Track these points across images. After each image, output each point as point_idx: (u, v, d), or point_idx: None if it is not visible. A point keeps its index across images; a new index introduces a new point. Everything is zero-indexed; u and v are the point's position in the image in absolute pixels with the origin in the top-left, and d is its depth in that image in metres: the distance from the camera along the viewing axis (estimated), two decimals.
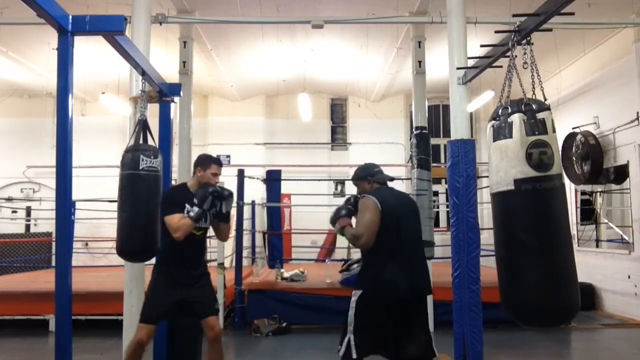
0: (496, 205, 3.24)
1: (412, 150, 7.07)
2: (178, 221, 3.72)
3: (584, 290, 8.35)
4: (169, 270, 3.86)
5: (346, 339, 3.35)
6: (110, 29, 3.08)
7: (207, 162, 3.98)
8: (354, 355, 3.30)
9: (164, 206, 3.76)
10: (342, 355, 3.36)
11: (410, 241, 3.57)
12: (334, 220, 3.70)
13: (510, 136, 3.07)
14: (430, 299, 6.88)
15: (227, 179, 8.26)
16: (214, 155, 4.21)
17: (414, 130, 7.18)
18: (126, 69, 4.94)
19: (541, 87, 3.14)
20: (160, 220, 3.75)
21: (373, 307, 3.37)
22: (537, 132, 3.01)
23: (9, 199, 12.10)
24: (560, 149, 3.28)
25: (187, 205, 3.78)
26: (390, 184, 3.85)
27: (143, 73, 3.98)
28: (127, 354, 3.79)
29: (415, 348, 3.39)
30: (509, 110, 3.13)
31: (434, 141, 8.98)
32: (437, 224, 10.95)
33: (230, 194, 3.98)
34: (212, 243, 8.40)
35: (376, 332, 3.38)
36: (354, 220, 3.68)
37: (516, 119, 3.07)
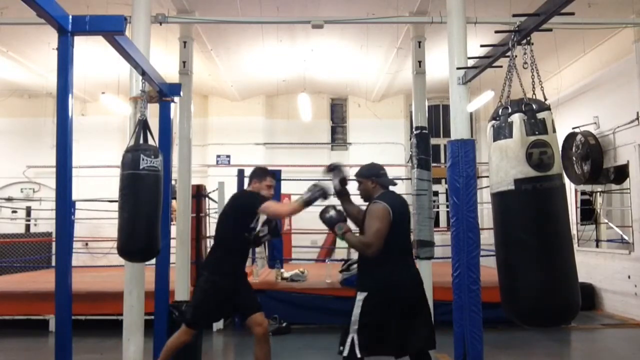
0: (496, 205, 3.24)
1: (412, 150, 7.07)
2: (284, 204, 3.99)
3: (584, 290, 8.33)
4: (232, 274, 4.00)
5: (349, 339, 3.36)
6: (110, 29, 3.08)
7: (264, 175, 4.17)
8: (358, 355, 3.33)
9: (252, 201, 3.95)
10: (346, 356, 3.37)
11: (409, 243, 3.76)
12: (330, 223, 3.58)
13: (511, 136, 3.07)
14: (430, 298, 6.94)
15: (227, 179, 8.33)
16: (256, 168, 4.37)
17: (414, 130, 7.18)
18: (126, 69, 4.94)
19: (541, 87, 3.14)
20: (226, 223, 4.03)
21: (382, 307, 3.40)
22: (537, 132, 3.01)
23: (9, 199, 12.10)
24: (560, 148, 3.28)
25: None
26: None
27: (143, 73, 3.98)
28: (170, 350, 4.02)
29: (418, 341, 3.48)
30: (509, 110, 3.13)
31: (434, 141, 8.98)
32: (437, 224, 10.95)
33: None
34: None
35: (380, 332, 3.41)
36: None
37: (516, 118, 3.07)
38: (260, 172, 4.21)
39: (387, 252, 3.44)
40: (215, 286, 3.92)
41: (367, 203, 3.69)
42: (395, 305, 3.42)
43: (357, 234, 3.72)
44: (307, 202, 3.78)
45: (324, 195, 3.77)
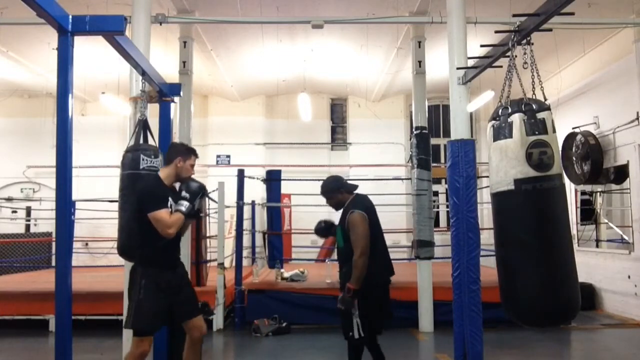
0: (496, 205, 3.24)
1: (412, 150, 7.07)
2: (170, 217, 3.46)
3: (584, 290, 8.34)
4: (158, 273, 3.54)
5: (355, 322, 3.86)
6: (110, 29, 3.08)
7: (188, 153, 3.70)
8: (363, 335, 3.86)
9: (149, 201, 3.46)
10: (357, 337, 3.87)
11: (381, 233, 4.17)
12: (321, 235, 4.41)
13: (511, 136, 3.08)
14: (430, 298, 6.97)
15: (227, 179, 8.32)
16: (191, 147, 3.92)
17: (414, 130, 7.19)
18: (126, 69, 4.93)
19: (541, 87, 3.14)
20: (139, 219, 3.49)
21: (374, 291, 3.93)
22: (537, 132, 3.02)
23: (9, 199, 12.10)
24: (560, 149, 3.28)
25: (171, 200, 3.55)
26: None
27: (143, 73, 3.98)
28: None
29: (388, 315, 4.12)
30: (509, 110, 3.13)
31: (434, 141, 8.97)
32: (437, 224, 10.95)
33: (206, 189, 3.82)
34: (211, 243, 8.43)
35: (374, 312, 3.93)
36: None
37: (516, 119, 3.07)
38: (187, 150, 3.73)
39: (372, 248, 3.92)
40: (146, 283, 3.49)
41: (339, 210, 4.19)
42: (377, 289, 3.97)
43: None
44: (187, 214, 3.56)
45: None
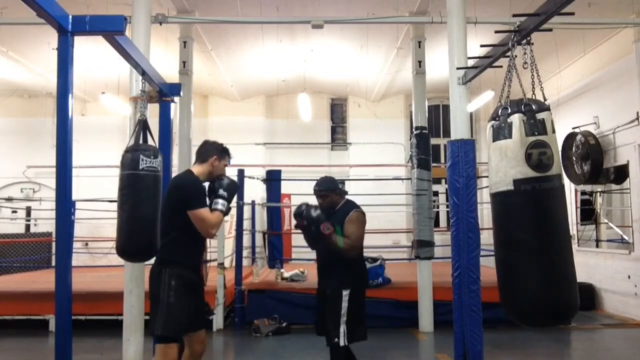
0: (496, 205, 3.24)
1: (412, 150, 7.07)
2: (212, 216, 3.30)
3: (584, 290, 8.39)
4: (188, 273, 3.37)
5: (342, 330, 3.79)
6: (110, 29, 3.07)
7: (224, 153, 3.60)
8: (347, 343, 3.81)
9: (193, 198, 3.30)
10: (342, 345, 3.79)
11: None
12: (316, 222, 3.86)
13: (510, 136, 3.07)
14: (430, 298, 6.98)
15: None
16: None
17: (414, 130, 7.19)
18: (126, 69, 4.94)
19: (541, 87, 3.14)
20: (172, 216, 3.32)
21: (359, 299, 3.92)
22: (536, 133, 3.01)
23: (9, 199, 12.10)
24: (560, 149, 3.29)
25: (207, 199, 3.42)
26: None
27: (143, 73, 3.97)
28: None
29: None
30: (509, 111, 3.13)
31: (434, 141, 8.98)
32: (437, 224, 10.95)
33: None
34: (211, 243, 8.42)
35: (357, 319, 3.87)
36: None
37: (516, 119, 3.07)
38: (223, 150, 3.60)
39: (360, 254, 4.03)
40: (176, 284, 3.28)
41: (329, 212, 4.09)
42: (363, 295, 4.00)
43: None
44: (226, 213, 3.44)
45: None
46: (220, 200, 3.38)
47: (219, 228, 3.39)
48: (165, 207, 3.40)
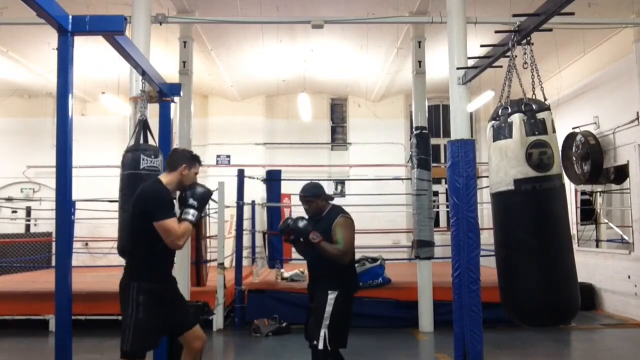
0: (496, 205, 3.24)
1: (412, 150, 7.07)
2: (179, 227, 3.17)
3: (584, 290, 8.34)
4: (155, 287, 3.22)
5: (322, 333, 3.79)
6: (110, 29, 3.08)
7: (193, 161, 3.44)
8: (329, 348, 3.79)
9: (158, 208, 3.15)
10: (321, 349, 3.79)
11: None
12: (304, 232, 3.84)
13: (510, 136, 3.08)
14: (430, 298, 6.97)
15: (227, 179, 8.32)
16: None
17: (414, 130, 7.19)
18: (126, 69, 4.93)
19: (541, 87, 3.14)
20: (138, 226, 3.20)
21: (345, 304, 3.89)
22: (537, 132, 3.02)
23: (9, 199, 12.10)
24: (560, 149, 3.29)
25: (176, 207, 3.31)
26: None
27: (143, 73, 3.97)
28: None
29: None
30: (509, 110, 3.13)
31: (434, 141, 8.97)
32: (437, 224, 10.94)
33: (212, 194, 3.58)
34: (211, 243, 8.43)
35: (340, 326, 3.85)
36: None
37: (516, 119, 3.07)
38: (192, 157, 3.45)
39: (350, 260, 3.96)
40: (144, 298, 3.15)
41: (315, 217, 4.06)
42: (351, 301, 3.95)
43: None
44: (195, 224, 3.32)
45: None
46: (191, 210, 3.25)
47: (187, 239, 3.27)
48: (131, 217, 3.30)
